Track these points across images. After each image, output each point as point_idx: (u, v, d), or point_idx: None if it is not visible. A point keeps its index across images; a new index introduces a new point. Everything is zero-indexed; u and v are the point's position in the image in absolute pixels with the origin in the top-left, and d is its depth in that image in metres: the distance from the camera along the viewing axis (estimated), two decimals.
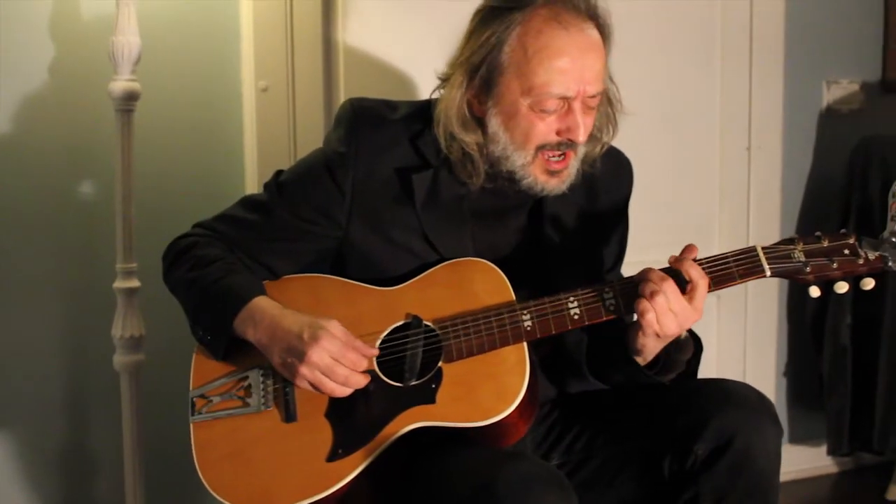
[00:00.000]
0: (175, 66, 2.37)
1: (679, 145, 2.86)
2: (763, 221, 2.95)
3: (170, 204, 2.35)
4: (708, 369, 2.94)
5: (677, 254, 1.65)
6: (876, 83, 3.08)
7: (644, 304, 1.58)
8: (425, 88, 2.47)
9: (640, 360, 1.68)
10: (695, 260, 1.63)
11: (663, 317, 1.57)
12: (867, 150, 2.88)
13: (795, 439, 3.09)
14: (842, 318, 2.89)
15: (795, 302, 3.03)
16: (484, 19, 1.67)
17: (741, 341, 2.98)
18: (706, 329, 2.91)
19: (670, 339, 1.65)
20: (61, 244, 2.32)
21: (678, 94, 2.84)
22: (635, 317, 1.64)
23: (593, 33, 1.65)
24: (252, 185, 2.45)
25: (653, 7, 2.77)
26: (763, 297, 2.96)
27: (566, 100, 1.63)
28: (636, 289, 1.61)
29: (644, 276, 1.61)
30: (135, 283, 2.17)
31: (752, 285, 2.83)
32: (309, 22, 2.43)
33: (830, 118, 3.05)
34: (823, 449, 3.05)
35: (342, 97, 2.49)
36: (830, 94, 3.04)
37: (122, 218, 2.16)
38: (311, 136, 2.44)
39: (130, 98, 2.13)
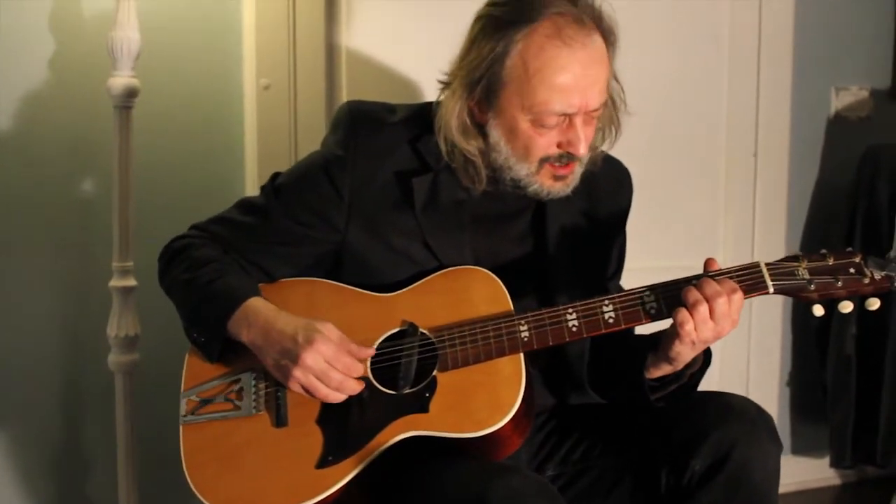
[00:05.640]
0: (175, 63, 2.35)
1: (685, 150, 2.84)
2: (769, 228, 2.93)
3: (168, 202, 2.34)
4: (710, 378, 2.87)
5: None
6: (885, 90, 3.04)
7: (684, 313, 1.56)
8: (428, 90, 2.46)
9: (670, 368, 1.66)
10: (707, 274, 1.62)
11: (703, 325, 1.56)
12: (876, 158, 2.84)
13: (798, 450, 3.07)
14: (847, 328, 2.85)
15: (800, 311, 3.00)
16: (485, 29, 1.64)
17: (745, 350, 2.95)
18: None
19: (705, 347, 1.63)
20: (58, 241, 2.31)
21: (684, 98, 2.82)
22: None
23: (597, 44, 1.62)
24: (252, 183, 2.43)
25: (660, 12, 2.75)
26: (767, 306, 2.93)
27: (567, 115, 1.62)
28: (678, 293, 1.59)
29: (687, 282, 1.60)
30: (131, 281, 2.16)
31: None
32: (312, 20, 2.42)
33: (839, 125, 3.01)
34: (826, 461, 3.02)
35: (344, 96, 2.47)
36: (839, 101, 3.01)
37: (119, 216, 2.15)
38: (313, 135, 2.41)
39: (129, 95, 2.11)
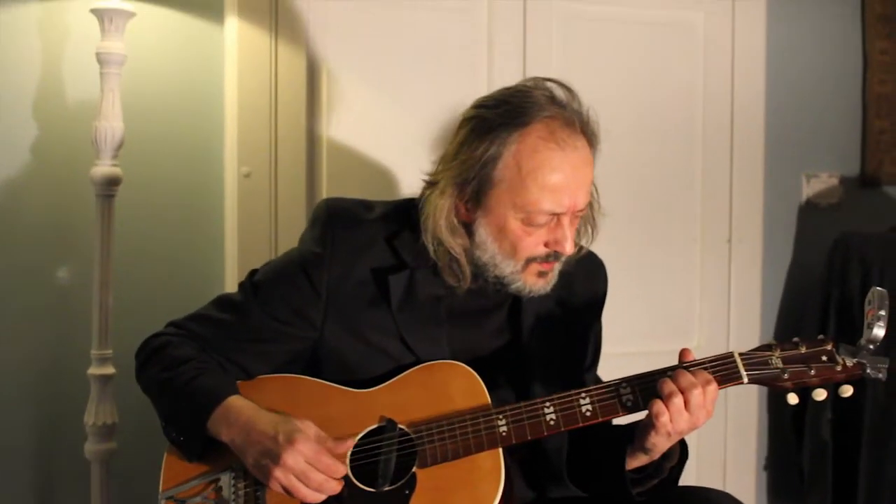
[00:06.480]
0: (157, 150, 2.37)
1: (660, 236, 2.88)
2: (743, 313, 2.96)
3: (148, 289, 2.35)
4: (688, 461, 2.91)
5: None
6: (855, 177, 3.10)
7: (659, 405, 1.57)
8: (406, 180, 2.50)
9: (647, 458, 1.67)
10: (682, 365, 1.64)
11: (678, 416, 1.57)
12: (846, 246, 2.88)
13: None
14: (822, 412, 2.86)
15: (775, 395, 3.01)
16: (475, 131, 1.66)
17: (722, 434, 2.96)
18: None
19: (681, 437, 1.64)
20: (36, 327, 2.30)
21: (659, 186, 2.87)
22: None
23: (585, 148, 1.66)
24: (232, 269, 2.44)
25: (634, 100, 2.81)
26: (743, 389, 2.93)
27: (556, 215, 1.65)
28: (654, 385, 1.60)
29: (662, 374, 1.62)
30: (109, 369, 2.15)
31: None
32: (293, 109, 2.46)
33: (810, 211, 3.06)
34: None
35: (324, 185, 2.50)
36: (810, 188, 3.06)
37: (99, 303, 2.15)
38: (293, 222, 2.44)
39: (112, 183, 2.13)
